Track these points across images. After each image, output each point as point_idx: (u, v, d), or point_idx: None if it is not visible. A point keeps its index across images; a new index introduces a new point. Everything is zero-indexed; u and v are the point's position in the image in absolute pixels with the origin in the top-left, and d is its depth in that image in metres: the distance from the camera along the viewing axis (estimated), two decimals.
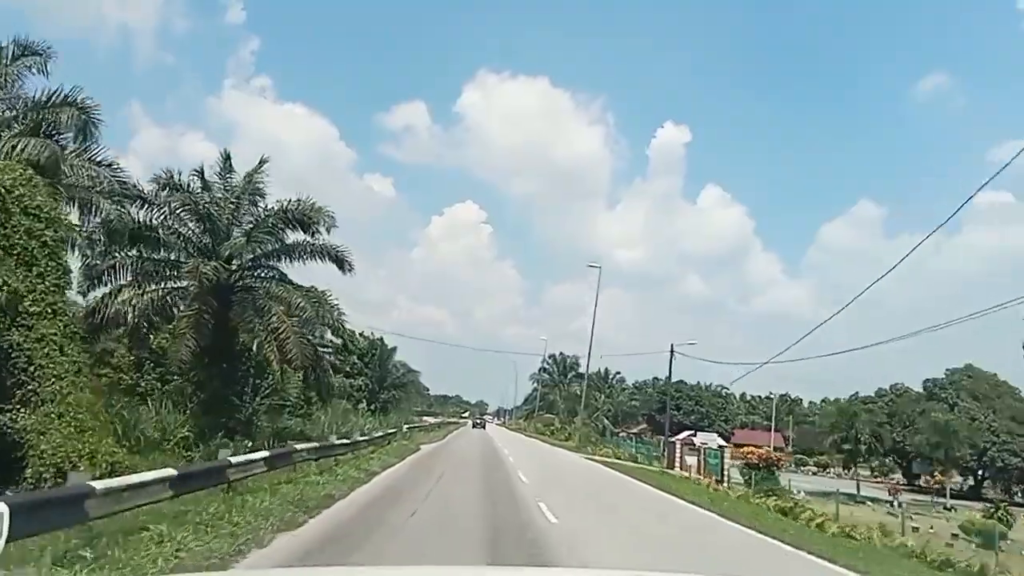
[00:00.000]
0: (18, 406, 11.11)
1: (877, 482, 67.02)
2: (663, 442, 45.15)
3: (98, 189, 17.63)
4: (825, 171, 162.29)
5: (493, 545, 9.41)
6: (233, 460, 10.25)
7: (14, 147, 14.24)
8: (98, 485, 5.94)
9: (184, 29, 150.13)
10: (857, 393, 74.76)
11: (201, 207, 21.13)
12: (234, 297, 21.25)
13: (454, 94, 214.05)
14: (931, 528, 31.80)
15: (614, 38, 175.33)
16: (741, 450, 37.03)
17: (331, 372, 31.07)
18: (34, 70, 16.46)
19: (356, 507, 11.54)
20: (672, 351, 43.04)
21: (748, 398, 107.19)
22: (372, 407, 47.07)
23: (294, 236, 22.23)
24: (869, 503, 46.29)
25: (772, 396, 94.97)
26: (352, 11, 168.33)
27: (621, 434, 63.20)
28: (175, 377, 20.80)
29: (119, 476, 7.84)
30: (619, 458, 39.92)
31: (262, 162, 22.48)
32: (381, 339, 56.65)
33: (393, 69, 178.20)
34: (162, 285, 21.37)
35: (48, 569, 5.52)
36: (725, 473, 31.41)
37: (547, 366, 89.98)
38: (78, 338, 12.62)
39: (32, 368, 11.23)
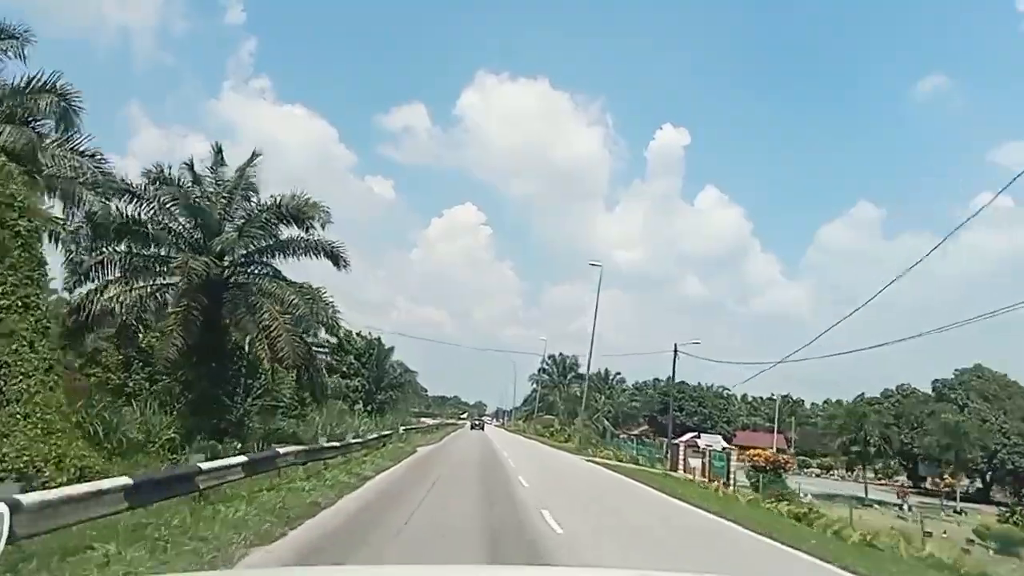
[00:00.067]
0: None
1: (882, 484, 66.12)
2: (665, 444, 44.40)
3: (81, 180, 16.92)
4: (824, 172, 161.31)
5: (493, 560, 8.62)
6: (203, 466, 9.27)
7: None
8: (26, 498, 5.04)
9: (184, 30, 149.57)
10: (863, 394, 73.61)
11: (192, 201, 20.52)
12: (225, 294, 20.58)
13: (453, 95, 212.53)
14: (944, 533, 30.98)
15: (614, 39, 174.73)
16: (747, 452, 36.24)
17: (325, 372, 30.36)
18: (10, 54, 15.70)
19: (343, 516, 10.69)
20: (676, 351, 42.34)
21: (750, 399, 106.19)
22: (368, 408, 46.33)
23: (288, 231, 21.72)
24: (877, 506, 45.57)
25: (774, 397, 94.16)
26: (351, 12, 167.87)
27: (622, 436, 62.24)
28: (163, 377, 20.06)
29: (81, 484, 7.04)
30: (620, 460, 39.13)
31: (254, 155, 21.81)
32: (378, 339, 55.89)
33: (392, 70, 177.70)
34: (151, 281, 20.72)
35: None
36: (731, 476, 30.67)
37: (546, 367, 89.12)
38: (51, 334, 11.86)
39: None
